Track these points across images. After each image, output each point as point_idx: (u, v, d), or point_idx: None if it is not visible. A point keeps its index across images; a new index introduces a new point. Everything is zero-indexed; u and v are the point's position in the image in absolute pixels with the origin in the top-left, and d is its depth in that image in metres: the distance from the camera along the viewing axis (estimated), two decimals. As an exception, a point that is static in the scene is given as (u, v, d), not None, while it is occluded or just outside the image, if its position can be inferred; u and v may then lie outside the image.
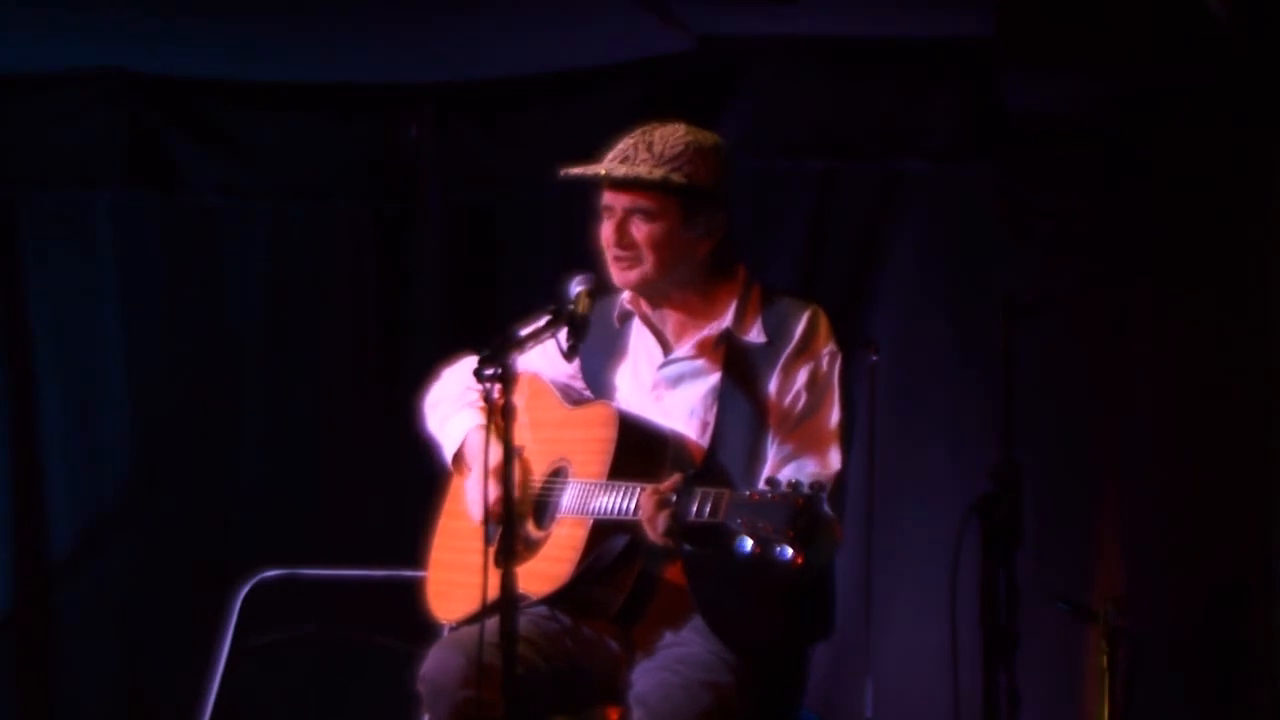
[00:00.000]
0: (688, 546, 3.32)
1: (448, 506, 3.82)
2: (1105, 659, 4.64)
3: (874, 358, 5.18)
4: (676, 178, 3.48)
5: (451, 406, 3.78)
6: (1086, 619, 4.81)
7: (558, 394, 3.71)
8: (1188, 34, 4.75)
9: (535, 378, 3.72)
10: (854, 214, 5.59)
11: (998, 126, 5.34)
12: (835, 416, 3.47)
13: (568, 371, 3.74)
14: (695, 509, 3.21)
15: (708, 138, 3.56)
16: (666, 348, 3.62)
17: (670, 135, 3.52)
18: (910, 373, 5.42)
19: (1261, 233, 5.15)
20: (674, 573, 3.48)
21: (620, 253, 3.53)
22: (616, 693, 3.51)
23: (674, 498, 3.25)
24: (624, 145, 3.54)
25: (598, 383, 3.69)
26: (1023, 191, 5.38)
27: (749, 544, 3.07)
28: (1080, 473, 5.32)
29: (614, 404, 3.59)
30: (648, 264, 3.52)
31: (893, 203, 5.56)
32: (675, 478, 3.29)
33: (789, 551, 3.03)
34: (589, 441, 3.51)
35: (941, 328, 5.45)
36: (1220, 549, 5.17)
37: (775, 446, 3.45)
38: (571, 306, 3.43)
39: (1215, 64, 4.78)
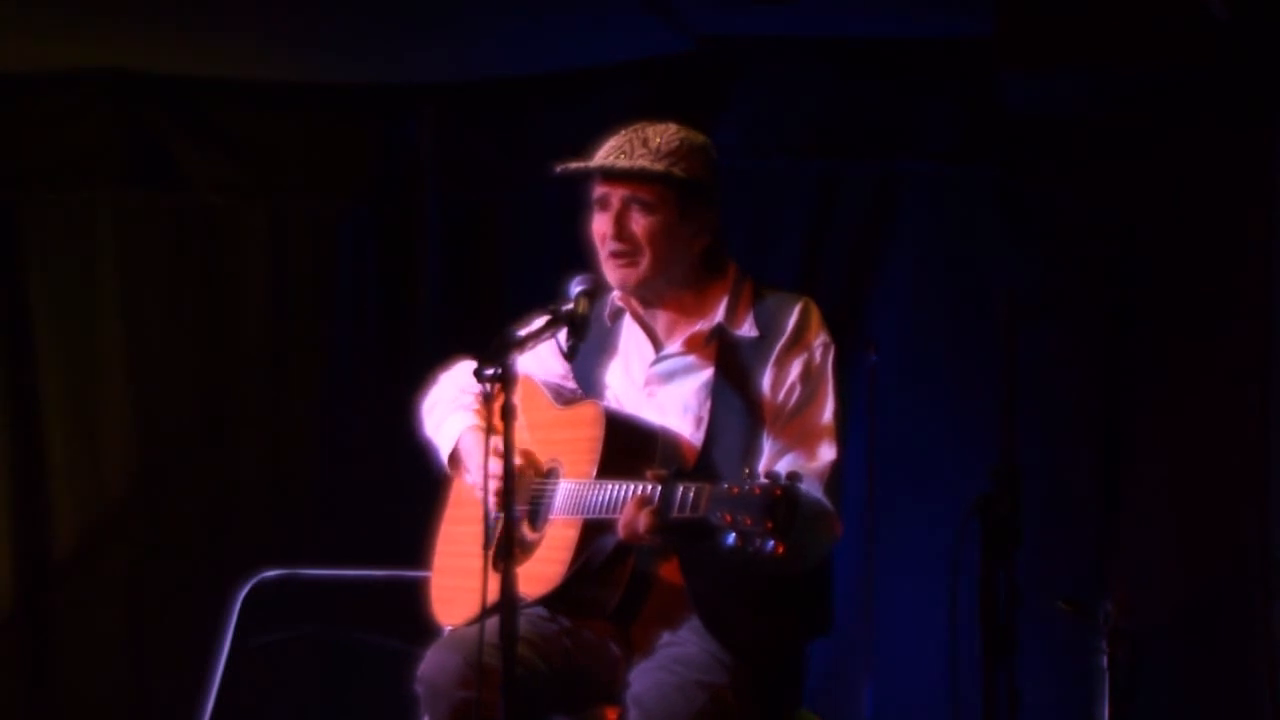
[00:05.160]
0: (674, 543, 3.32)
1: (449, 512, 3.82)
2: (1105, 659, 4.64)
3: (874, 358, 5.18)
4: (677, 171, 3.49)
5: (446, 409, 3.78)
6: (1086, 619, 4.81)
7: (549, 395, 3.71)
8: (1188, 33, 4.75)
9: (527, 379, 3.71)
10: (854, 214, 5.59)
11: (997, 126, 5.35)
12: (830, 409, 3.47)
13: (559, 372, 3.74)
14: (678, 504, 3.22)
15: (698, 136, 3.57)
16: (657, 345, 3.62)
17: (664, 132, 3.53)
18: (910, 373, 5.42)
19: (1261, 232, 5.15)
20: (669, 570, 3.48)
21: (618, 247, 3.52)
22: (615, 693, 3.51)
23: (656, 496, 3.25)
24: (618, 141, 3.54)
25: (589, 381, 3.69)
26: (1023, 191, 5.39)
27: (732, 537, 3.08)
28: (1080, 473, 5.32)
29: (602, 402, 3.59)
30: (645, 260, 3.52)
31: (892, 203, 5.56)
32: (658, 473, 3.28)
33: (770, 543, 3.04)
34: (577, 441, 3.51)
35: (941, 328, 5.45)
36: (1220, 549, 5.18)
37: (770, 441, 3.45)
38: (571, 307, 3.43)
39: (1215, 64, 4.78)
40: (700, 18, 5.40)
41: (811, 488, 3.34)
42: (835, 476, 3.43)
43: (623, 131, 3.56)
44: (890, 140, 5.55)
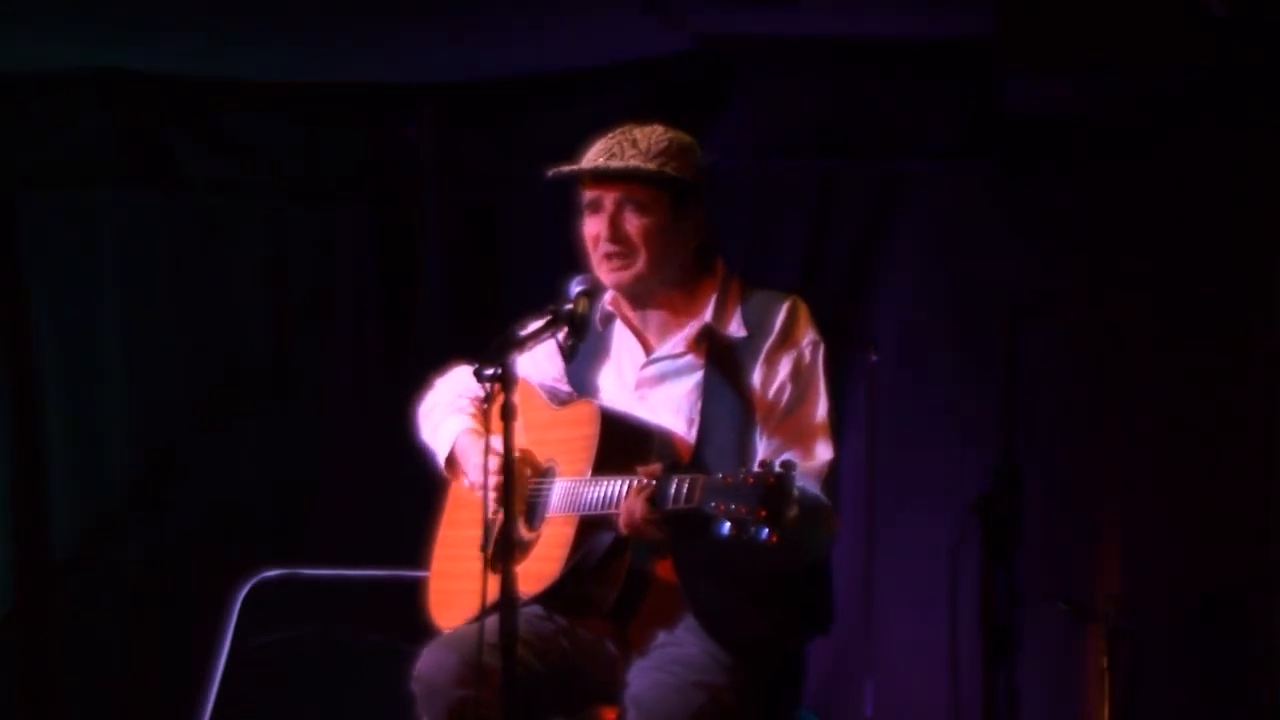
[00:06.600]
0: (671, 536, 3.33)
1: (447, 515, 3.82)
2: (1105, 659, 4.64)
3: (874, 358, 5.18)
4: (670, 170, 3.49)
5: (442, 413, 3.78)
6: (1086, 619, 4.82)
7: (544, 396, 3.71)
8: (1188, 34, 4.75)
9: (523, 381, 3.69)
10: (854, 214, 5.59)
11: (998, 126, 5.35)
12: (823, 406, 3.47)
13: (553, 375, 3.74)
14: (673, 495, 3.23)
15: (684, 136, 3.57)
16: (648, 347, 3.62)
17: (652, 133, 3.53)
18: (910, 372, 5.42)
19: (1261, 232, 5.16)
20: (665, 569, 3.48)
21: (613, 248, 3.52)
22: (613, 693, 3.51)
23: (652, 487, 3.26)
24: (607, 144, 3.54)
25: (582, 384, 3.69)
26: (1023, 191, 5.39)
27: (727, 527, 3.09)
28: (1080, 473, 5.33)
29: (597, 401, 3.59)
30: (641, 260, 3.51)
31: (892, 203, 5.56)
32: (654, 466, 3.30)
33: (765, 531, 3.05)
34: (573, 440, 3.52)
35: (941, 327, 5.45)
36: (1220, 549, 5.18)
37: (764, 440, 3.45)
38: (571, 307, 3.43)
39: (1215, 64, 4.78)
40: (700, 18, 5.40)
41: (809, 485, 3.35)
42: (832, 474, 3.44)
43: (609, 134, 3.56)
44: (890, 140, 5.54)
